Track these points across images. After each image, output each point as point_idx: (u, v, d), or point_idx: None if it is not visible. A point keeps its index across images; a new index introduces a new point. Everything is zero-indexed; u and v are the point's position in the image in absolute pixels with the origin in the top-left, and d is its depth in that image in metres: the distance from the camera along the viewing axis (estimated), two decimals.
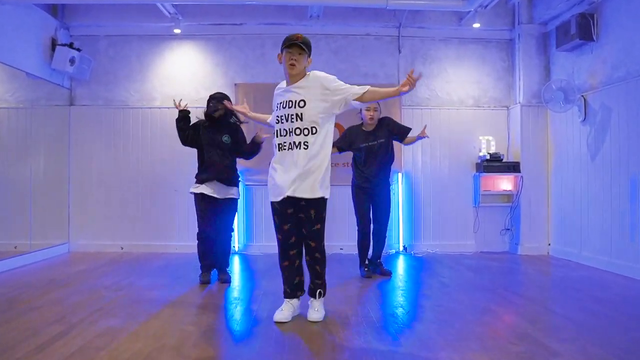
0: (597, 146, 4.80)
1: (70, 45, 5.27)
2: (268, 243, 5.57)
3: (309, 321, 2.86)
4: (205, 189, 3.85)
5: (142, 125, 5.77)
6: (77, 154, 5.74)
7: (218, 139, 3.88)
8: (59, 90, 5.59)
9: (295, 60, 2.74)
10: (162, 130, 5.72)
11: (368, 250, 4.28)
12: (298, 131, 2.75)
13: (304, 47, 2.75)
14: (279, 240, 2.93)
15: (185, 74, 5.81)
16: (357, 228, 4.26)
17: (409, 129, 4.26)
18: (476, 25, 5.44)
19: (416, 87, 5.70)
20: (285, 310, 2.87)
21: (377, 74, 5.80)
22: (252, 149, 3.98)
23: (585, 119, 4.95)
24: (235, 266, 4.93)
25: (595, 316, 3.04)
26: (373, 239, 4.25)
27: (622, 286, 3.93)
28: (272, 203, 2.87)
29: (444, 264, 4.96)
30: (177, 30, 5.56)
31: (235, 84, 5.74)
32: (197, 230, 3.97)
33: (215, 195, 3.85)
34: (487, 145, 5.77)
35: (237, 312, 3.15)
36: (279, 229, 2.89)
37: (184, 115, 3.94)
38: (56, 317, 2.95)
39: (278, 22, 5.70)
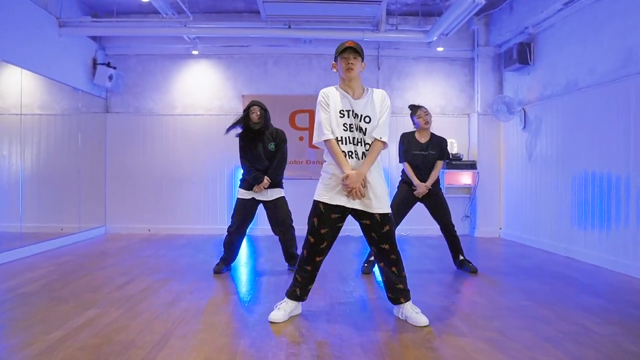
0: (532, 149, 6.00)
1: (108, 65, 6.46)
2: (269, 226, 6.80)
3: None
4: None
5: (165, 129, 6.98)
6: (112, 153, 6.96)
7: (261, 147, 4.11)
8: (97, 100, 6.78)
9: (352, 64, 2.71)
10: (182, 133, 6.95)
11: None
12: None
13: (358, 51, 2.73)
14: (309, 243, 2.82)
15: (200, 87, 7.00)
16: None
17: (448, 157, 4.53)
18: (440, 49, 6.62)
19: (391, 98, 7.01)
20: (282, 310, 2.85)
21: None
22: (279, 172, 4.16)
23: (524, 127, 6.15)
24: (243, 243, 6.12)
25: (500, 273, 4.27)
26: (447, 240, 4.43)
27: (541, 258, 5.13)
28: (319, 203, 2.77)
29: (411, 243, 6.18)
30: (195, 52, 6.75)
31: (243, 95, 6.94)
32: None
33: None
34: (450, 147, 6.95)
35: (247, 270, 4.40)
36: (315, 231, 2.78)
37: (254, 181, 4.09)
38: (120, 272, 4.18)
39: (278, 45, 6.89)
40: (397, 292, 2.89)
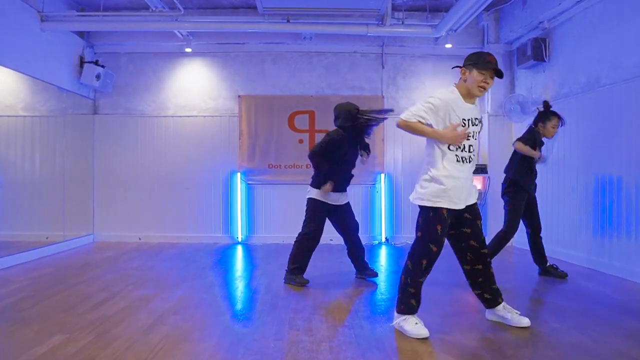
0: (548, 151, 5.58)
1: (96, 63, 6.08)
2: (267, 234, 6.43)
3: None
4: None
5: (157, 131, 6.59)
6: (101, 157, 6.56)
7: (354, 151, 4.06)
8: (84, 101, 6.39)
9: (489, 84, 2.66)
10: (175, 135, 6.56)
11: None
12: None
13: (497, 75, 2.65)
14: (432, 252, 2.71)
15: (195, 87, 6.62)
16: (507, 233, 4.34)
17: None
18: (448, 45, 6.23)
19: (397, 99, 6.62)
20: (422, 324, 2.74)
21: (363, 86, 6.61)
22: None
23: None
24: (239, 253, 5.74)
25: (520, 287, 3.87)
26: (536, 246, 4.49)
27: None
28: (440, 210, 2.67)
29: None
30: (188, 49, 6.36)
31: (239, 96, 6.55)
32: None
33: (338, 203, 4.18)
34: None
35: (241, 285, 3.98)
36: (438, 240, 2.70)
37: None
38: (100, 288, 3.78)
39: (276, 41, 6.51)
40: (494, 292, 2.90)
